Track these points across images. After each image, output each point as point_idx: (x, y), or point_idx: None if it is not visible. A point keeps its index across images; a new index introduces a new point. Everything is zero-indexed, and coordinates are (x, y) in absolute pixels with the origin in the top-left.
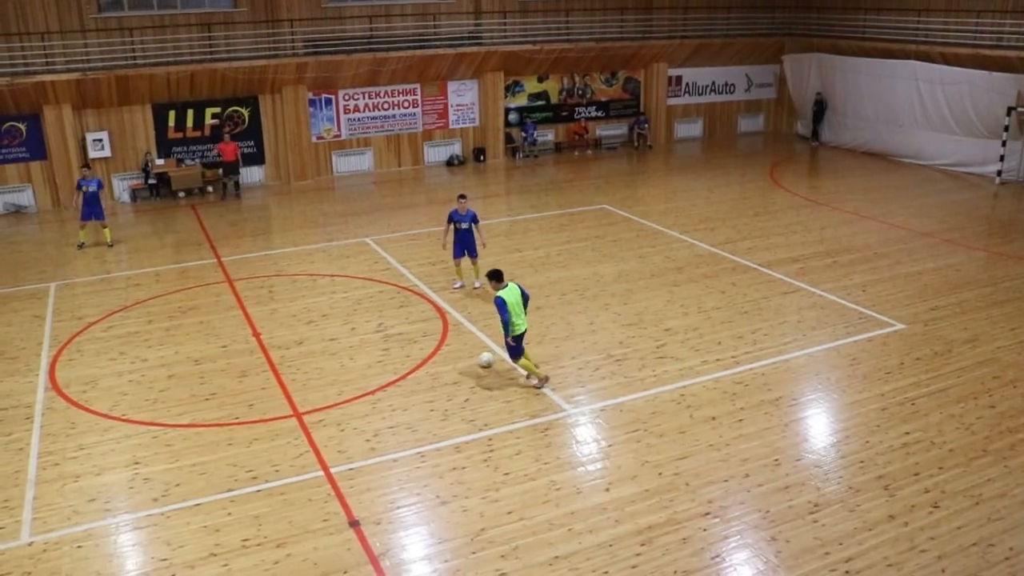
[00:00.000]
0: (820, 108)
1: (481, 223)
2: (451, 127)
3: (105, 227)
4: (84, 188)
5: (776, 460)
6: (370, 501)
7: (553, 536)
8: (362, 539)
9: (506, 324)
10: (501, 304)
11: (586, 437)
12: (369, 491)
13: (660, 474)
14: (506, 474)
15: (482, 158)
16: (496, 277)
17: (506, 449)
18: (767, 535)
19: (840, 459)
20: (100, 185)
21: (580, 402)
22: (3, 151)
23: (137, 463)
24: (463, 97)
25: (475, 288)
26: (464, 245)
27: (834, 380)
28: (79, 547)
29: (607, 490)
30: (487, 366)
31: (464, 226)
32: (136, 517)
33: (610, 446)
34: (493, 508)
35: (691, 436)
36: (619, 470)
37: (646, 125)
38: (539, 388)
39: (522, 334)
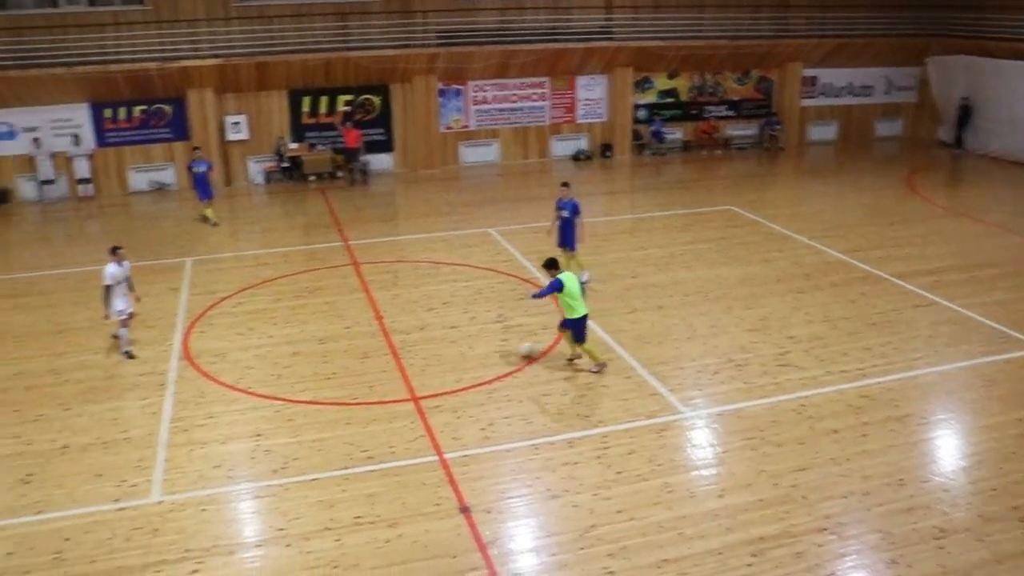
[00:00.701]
0: (965, 113)
1: (598, 220)
2: (578, 122)
3: (210, 207)
4: (195, 169)
5: (900, 480)
6: (482, 489)
7: (663, 539)
8: (472, 525)
9: (545, 292)
10: (557, 283)
11: (701, 441)
12: (481, 479)
13: (776, 485)
14: (618, 473)
15: (608, 154)
16: (552, 266)
17: (620, 448)
18: (887, 557)
19: (970, 484)
20: (210, 166)
21: (697, 405)
22: (149, 131)
23: (260, 435)
24: (592, 92)
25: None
26: (563, 236)
27: (967, 401)
28: (203, 510)
29: (720, 496)
30: (528, 356)
31: (565, 214)
32: (256, 486)
33: (726, 452)
34: (604, 506)
35: (811, 448)
36: (734, 477)
37: (778, 126)
38: (598, 372)
39: (583, 318)
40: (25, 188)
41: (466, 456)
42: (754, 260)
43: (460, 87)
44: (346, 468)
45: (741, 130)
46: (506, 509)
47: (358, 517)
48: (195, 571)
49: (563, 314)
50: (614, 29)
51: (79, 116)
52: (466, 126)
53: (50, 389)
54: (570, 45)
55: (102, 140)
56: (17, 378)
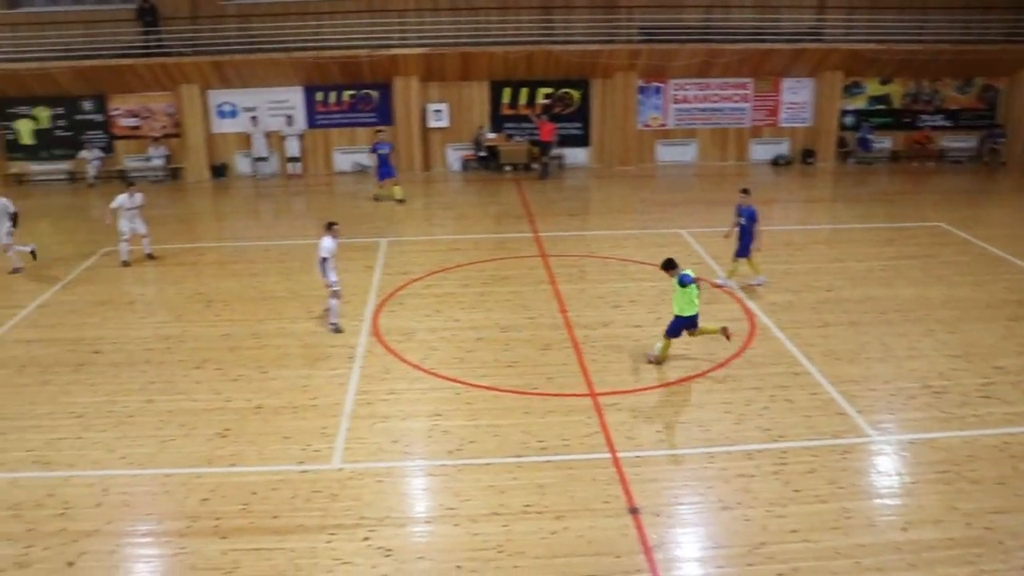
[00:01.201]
0: None
1: (793, 228)
2: (780, 125)
3: (397, 184)
4: (379, 151)
5: None
6: (652, 491)
7: (837, 565)
8: (639, 527)
9: (684, 283)
10: (688, 278)
11: (889, 468)
12: (653, 481)
13: (969, 524)
14: (796, 491)
15: (810, 160)
16: (671, 265)
17: (799, 465)
18: None
19: None
20: (392, 148)
21: (887, 430)
22: (356, 115)
23: (438, 415)
24: (797, 95)
25: (754, 285)
26: (740, 241)
27: None
28: (379, 481)
29: (904, 530)
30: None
31: (742, 221)
32: (431, 465)
33: (915, 483)
34: (777, 523)
35: (1012, 490)
36: (921, 511)
37: (1001, 139)
38: (655, 364)
39: (691, 318)
40: (241, 164)
41: (639, 457)
42: (962, 282)
43: (660, 85)
44: (519, 456)
45: (958, 142)
46: (675, 515)
47: (527, 505)
48: (367, 538)
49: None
50: (825, 30)
51: (293, 98)
52: (664, 124)
53: (251, 352)
54: (777, 46)
55: (312, 122)
56: (223, 339)
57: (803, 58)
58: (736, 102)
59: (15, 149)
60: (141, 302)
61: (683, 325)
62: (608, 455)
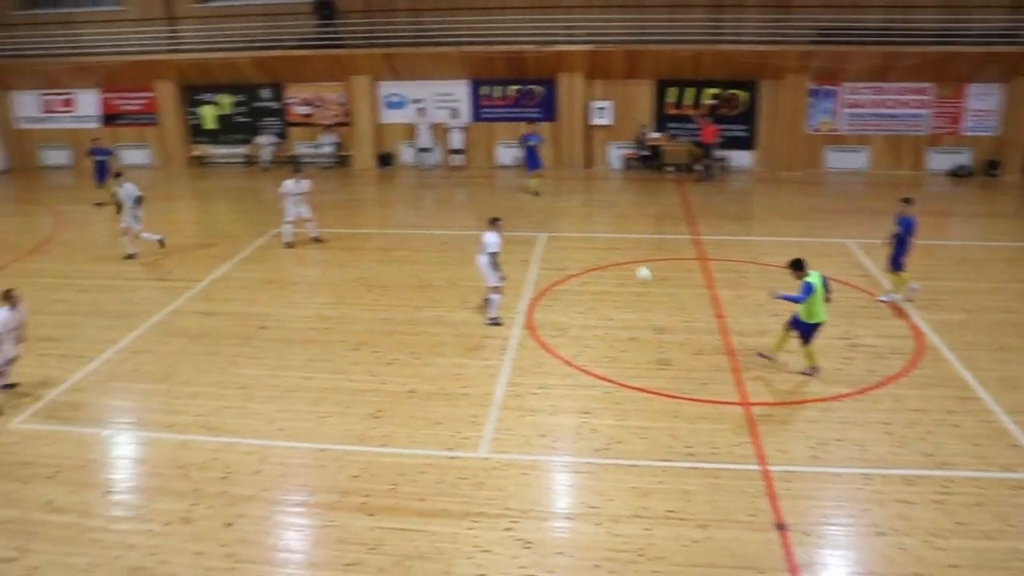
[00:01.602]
0: None
1: (972, 244)
2: (962, 134)
3: (537, 177)
4: (528, 143)
5: None
6: (802, 509)
7: None
8: (786, 544)
9: (795, 300)
10: (808, 288)
11: None
12: (803, 498)
13: None
14: (959, 523)
15: (993, 172)
16: (798, 267)
17: (964, 496)
18: None
19: None
20: (541, 140)
21: None
22: (520, 110)
23: (587, 413)
24: (983, 102)
25: (889, 301)
26: (894, 252)
27: None
28: (524, 474)
29: None
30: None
31: (899, 231)
32: (576, 462)
33: None
34: (935, 556)
35: None
36: None
37: None
38: (809, 375)
39: (819, 324)
40: (406, 154)
41: (790, 472)
42: None
43: (833, 88)
44: (666, 460)
45: None
46: (825, 535)
47: (670, 511)
48: (508, 529)
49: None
50: (1021, 31)
51: (459, 92)
52: (835, 129)
53: (406, 337)
54: (965, 48)
55: (477, 115)
56: (381, 323)
57: (993, 62)
58: (914, 108)
59: (199, 133)
60: (306, 283)
61: (809, 330)
62: (757, 467)
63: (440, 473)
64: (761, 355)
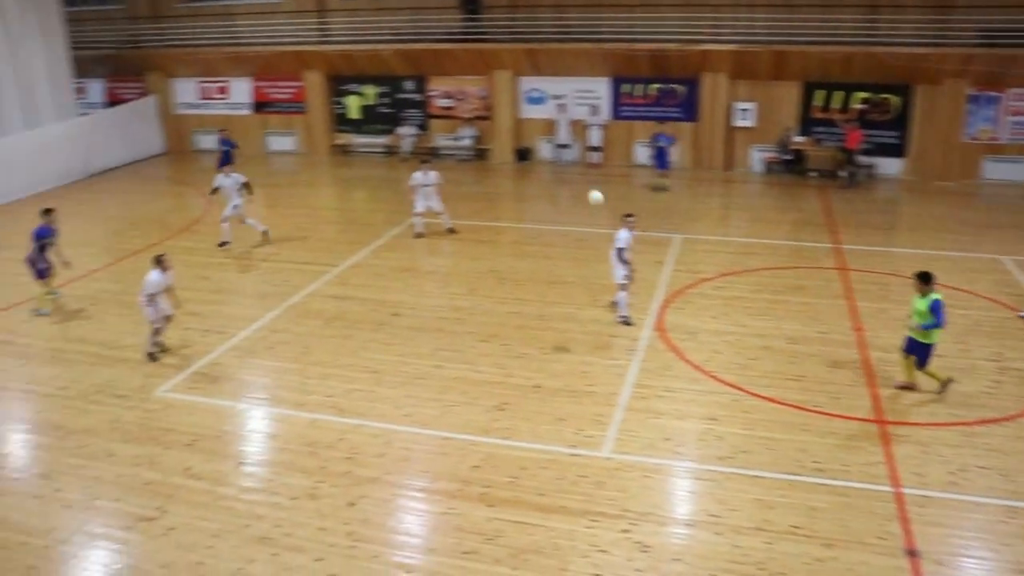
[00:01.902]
0: None
1: None
2: None
3: (664, 176)
4: (659, 143)
5: None
6: (936, 537)
7: None
8: (916, 572)
9: (933, 327)
10: (938, 306)
11: None
12: (938, 526)
13: None
14: None
15: None
16: (926, 280)
17: None
18: None
19: None
20: (670, 141)
21: None
22: (660, 109)
23: (713, 419)
24: None
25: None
26: None
27: None
28: (646, 476)
29: None
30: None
31: None
32: (699, 468)
33: None
34: None
35: None
36: None
37: None
38: (941, 392)
39: (935, 344)
40: (544, 149)
41: (926, 496)
42: None
43: (996, 94)
44: (793, 474)
45: None
46: (960, 568)
47: (795, 527)
48: (626, 531)
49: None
50: None
51: (600, 89)
52: (996, 138)
53: (536, 332)
54: None
55: (616, 113)
56: (511, 317)
57: None
58: None
59: (343, 122)
60: (439, 273)
61: (927, 352)
62: (890, 488)
63: (561, 469)
64: (900, 386)
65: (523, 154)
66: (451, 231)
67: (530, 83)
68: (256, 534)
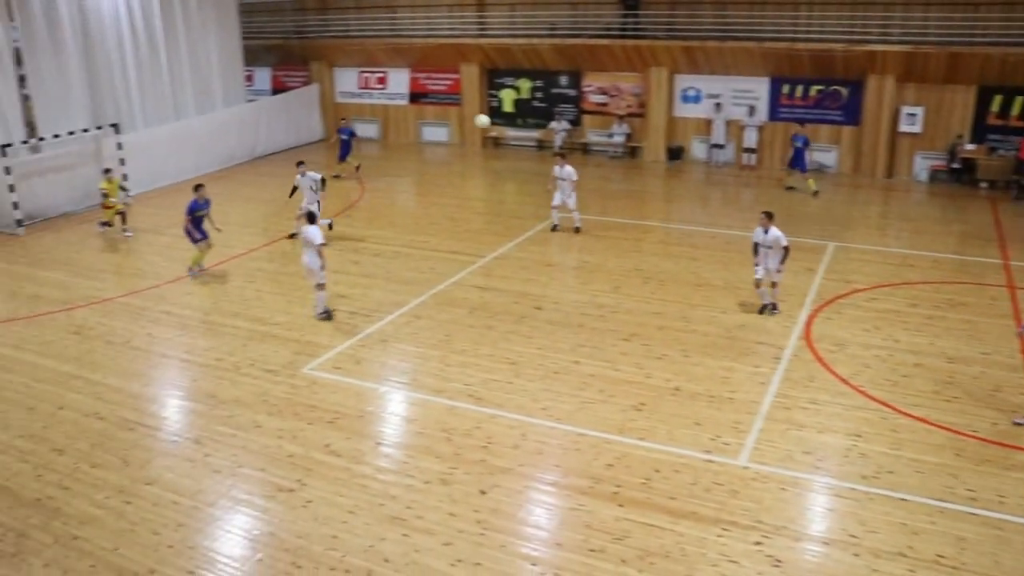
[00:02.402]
0: None
1: None
2: None
3: (807, 179)
4: (796, 144)
5: None
6: None
7: None
8: None
9: None
10: None
11: None
12: None
13: None
14: None
15: None
16: None
17: None
18: None
19: None
20: (806, 143)
21: None
22: (821, 112)
23: (858, 436)
24: None
25: None
26: None
27: None
28: (783, 489)
29: None
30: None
31: None
32: (840, 485)
33: None
34: None
35: None
36: None
37: None
38: None
39: None
40: (697, 149)
41: None
42: None
43: None
44: (942, 500)
45: None
46: None
47: (940, 556)
48: (759, 543)
49: None
50: None
51: (759, 89)
52: None
53: (678, 334)
54: None
55: (774, 114)
56: (653, 317)
57: None
58: None
59: (496, 115)
60: (584, 269)
61: None
62: None
63: (695, 475)
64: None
65: (675, 153)
66: (576, 231)
67: (686, 81)
68: (389, 513)
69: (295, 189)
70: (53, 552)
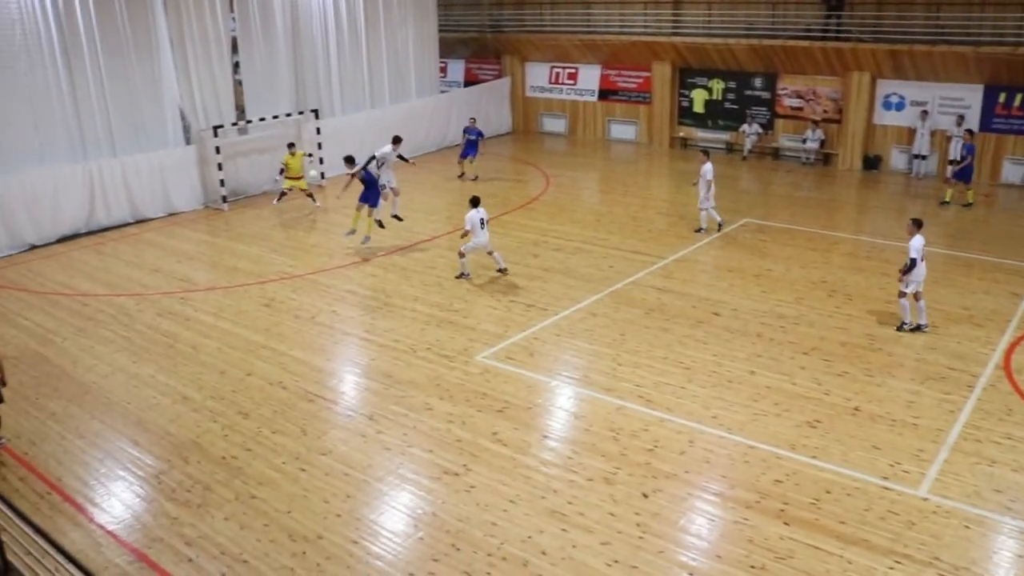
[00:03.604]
0: None
1: None
2: None
3: (968, 190)
4: (962, 152)
5: None
6: None
7: None
8: None
9: None
10: None
11: None
12: None
13: None
14: None
15: None
16: None
17: None
18: None
19: None
20: (971, 150)
21: None
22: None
23: None
24: None
25: None
26: None
27: None
28: (966, 527)
29: None
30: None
31: None
32: None
33: None
34: None
35: None
36: None
37: None
38: None
39: None
40: (896, 158)
41: None
42: None
43: None
44: None
45: None
46: None
47: None
48: None
49: None
50: None
51: (970, 97)
52: None
53: (862, 352)
54: None
55: (987, 125)
56: (837, 332)
57: None
58: None
59: (686, 115)
60: (767, 277)
61: None
62: None
63: (868, 500)
64: None
65: (872, 162)
66: (698, 232)
67: (889, 87)
68: (549, 507)
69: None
70: (233, 507)
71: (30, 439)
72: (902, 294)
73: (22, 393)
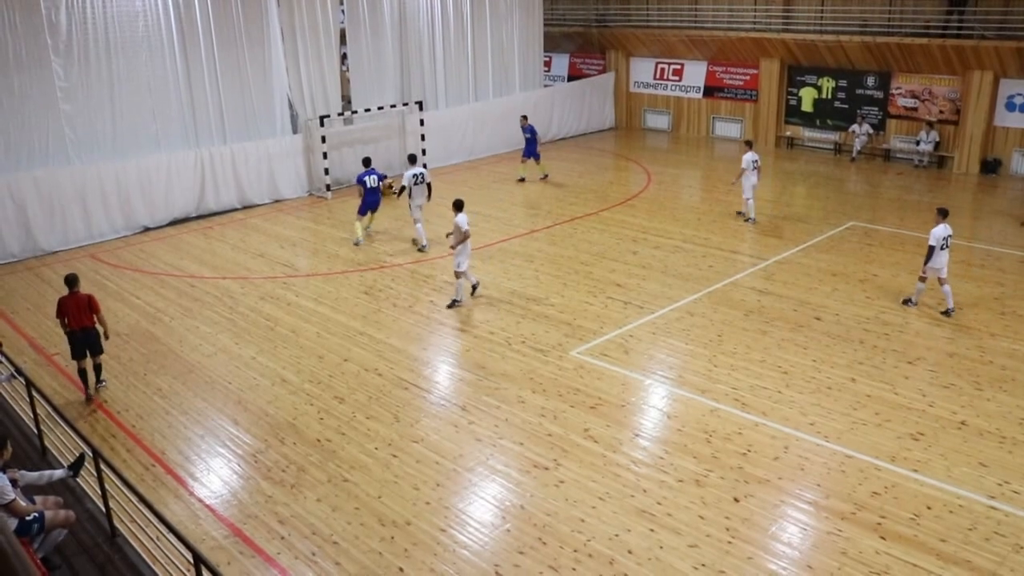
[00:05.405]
0: None
1: None
2: None
3: None
4: None
5: None
6: None
7: None
8: None
9: None
10: None
11: None
12: None
13: None
14: None
15: None
16: None
17: None
18: None
19: None
20: None
21: None
22: None
23: None
24: None
25: None
26: None
27: None
28: None
29: None
30: None
31: None
32: None
33: None
34: None
35: None
36: None
37: None
38: None
39: None
40: (1017, 163)
41: None
42: None
43: None
44: None
45: None
46: None
47: None
48: None
49: None
50: None
51: None
52: None
53: (971, 364)
54: None
55: None
56: (945, 341)
57: None
58: None
59: (793, 114)
60: (872, 282)
61: None
62: None
63: (972, 519)
64: None
65: (991, 166)
66: (747, 221)
67: (1014, 87)
68: (638, 506)
69: (403, 189)
70: (326, 489)
71: (138, 413)
72: (922, 278)
73: (132, 369)
